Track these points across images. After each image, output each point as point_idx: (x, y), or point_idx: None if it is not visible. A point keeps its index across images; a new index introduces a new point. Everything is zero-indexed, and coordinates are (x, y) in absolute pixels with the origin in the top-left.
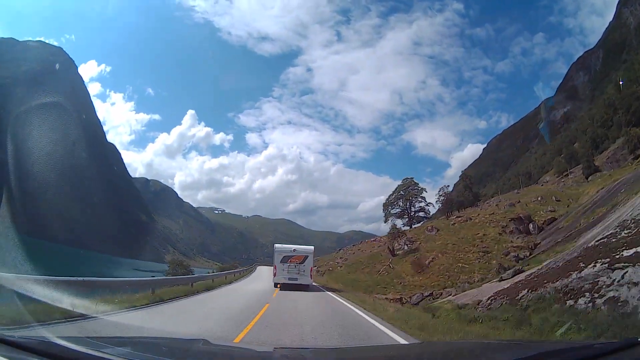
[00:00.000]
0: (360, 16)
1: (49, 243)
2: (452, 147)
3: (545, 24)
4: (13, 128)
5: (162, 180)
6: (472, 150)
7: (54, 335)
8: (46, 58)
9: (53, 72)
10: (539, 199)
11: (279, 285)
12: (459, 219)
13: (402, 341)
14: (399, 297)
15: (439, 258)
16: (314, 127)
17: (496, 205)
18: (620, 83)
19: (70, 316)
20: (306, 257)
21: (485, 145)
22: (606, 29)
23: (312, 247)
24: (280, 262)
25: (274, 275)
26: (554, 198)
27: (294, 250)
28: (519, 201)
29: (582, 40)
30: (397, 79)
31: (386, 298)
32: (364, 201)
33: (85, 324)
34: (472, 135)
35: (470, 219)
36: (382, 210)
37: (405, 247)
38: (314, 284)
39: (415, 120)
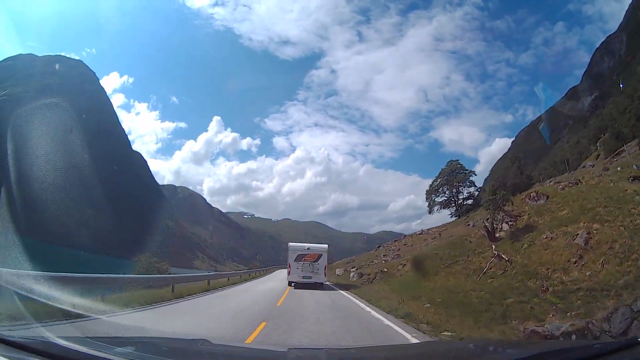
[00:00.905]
0: (380, 15)
1: (56, 247)
2: (480, 143)
3: (565, 12)
4: (22, 133)
5: (190, 187)
6: (500, 145)
7: (54, 335)
8: (66, 72)
9: (72, 82)
10: (618, 169)
11: (293, 284)
12: (559, 184)
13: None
14: (582, 326)
15: (598, 232)
16: (341, 129)
17: (565, 181)
18: (621, 86)
19: (70, 316)
20: (320, 255)
21: (513, 139)
22: (627, 11)
23: (326, 245)
24: (295, 260)
25: (288, 273)
26: (635, 167)
27: (308, 248)
28: (608, 169)
29: (602, 27)
30: (421, 76)
31: (562, 333)
32: (394, 201)
33: (85, 324)
34: (498, 129)
35: (580, 181)
36: (410, 211)
37: (506, 227)
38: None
39: (442, 117)
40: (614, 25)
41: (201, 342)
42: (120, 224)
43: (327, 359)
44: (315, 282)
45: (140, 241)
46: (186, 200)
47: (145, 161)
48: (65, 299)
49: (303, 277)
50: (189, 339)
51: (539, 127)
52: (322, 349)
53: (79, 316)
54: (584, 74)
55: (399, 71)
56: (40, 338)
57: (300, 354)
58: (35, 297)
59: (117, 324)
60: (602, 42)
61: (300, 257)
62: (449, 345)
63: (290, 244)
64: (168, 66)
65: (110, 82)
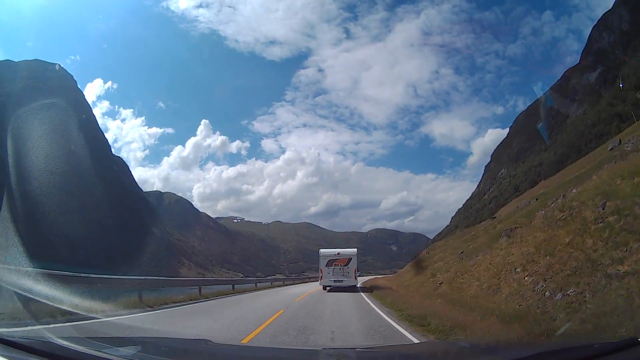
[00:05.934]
0: (366, 11)
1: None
2: (471, 136)
3: (552, 1)
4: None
5: (179, 193)
6: (493, 136)
7: (54, 335)
8: (42, 74)
9: (49, 87)
10: None
11: (327, 288)
12: None
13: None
14: None
15: None
16: (330, 128)
17: None
18: (621, 86)
19: (70, 315)
20: (350, 259)
21: (511, 124)
22: None
23: (355, 250)
24: (326, 265)
25: (320, 278)
26: None
27: (338, 253)
28: None
29: (590, 15)
30: (410, 71)
31: None
32: (386, 198)
33: (85, 324)
34: (489, 121)
35: None
36: (402, 208)
37: None
38: None
39: (432, 112)
40: (599, 12)
41: (203, 342)
42: (99, 233)
43: (357, 358)
44: (348, 286)
45: (122, 251)
46: (173, 206)
47: (127, 166)
48: (66, 299)
49: (335, 281)
50: (190, 339)
51: (537, 126)
52: (353, 349)
53: (79, 316)
54: (582, 52)
55: (388, 67)
56: (40, 338)
57: (332, 353)
58: (35, 297)
59: (118, 324)
60: (600, 19)
61: (331, 262)
62: (449, 346)
63: (322, 250)
64: (153, 71)
65: (94, 89)
